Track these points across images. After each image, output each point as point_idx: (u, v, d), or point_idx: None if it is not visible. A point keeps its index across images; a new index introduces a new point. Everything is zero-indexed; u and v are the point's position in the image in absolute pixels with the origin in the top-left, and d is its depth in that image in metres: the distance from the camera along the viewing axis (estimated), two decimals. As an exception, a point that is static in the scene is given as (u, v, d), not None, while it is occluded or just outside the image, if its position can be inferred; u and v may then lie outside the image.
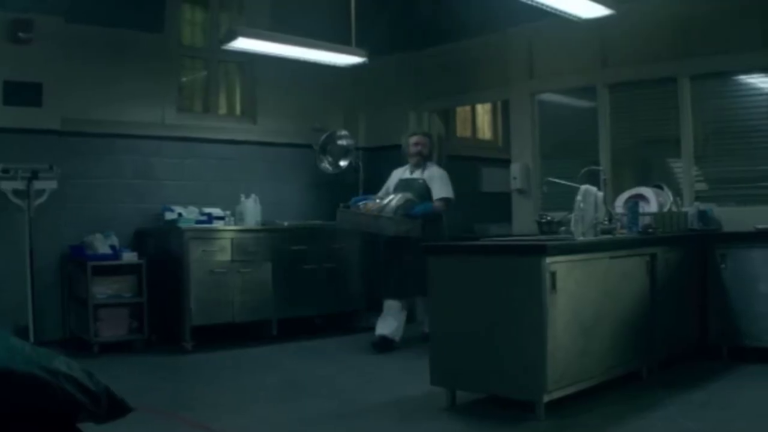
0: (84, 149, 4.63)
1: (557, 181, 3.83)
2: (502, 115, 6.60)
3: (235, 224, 4.88)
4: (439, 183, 4.62)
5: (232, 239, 4.62)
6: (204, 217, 4.75)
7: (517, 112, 5.19)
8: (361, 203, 4.50)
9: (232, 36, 4.19)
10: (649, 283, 3.64)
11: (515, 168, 5.03)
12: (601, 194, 3.49)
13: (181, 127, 5.01)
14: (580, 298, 3.15)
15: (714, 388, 3.39)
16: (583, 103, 5.03)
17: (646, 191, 4.03)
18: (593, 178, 4.78)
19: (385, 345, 4.39)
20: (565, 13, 3.93)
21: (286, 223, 4.97)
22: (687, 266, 3.96)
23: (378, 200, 4.47)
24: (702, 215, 4.25)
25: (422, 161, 4.65)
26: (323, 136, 5.07)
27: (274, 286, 4.75)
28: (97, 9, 4.55)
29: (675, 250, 3.84)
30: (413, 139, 4.72)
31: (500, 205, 5.53)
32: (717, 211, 4.36)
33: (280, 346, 4.65)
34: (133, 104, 4.79)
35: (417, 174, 4.67)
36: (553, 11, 3.86)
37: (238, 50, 4.32)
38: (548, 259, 2.98)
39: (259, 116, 5.41)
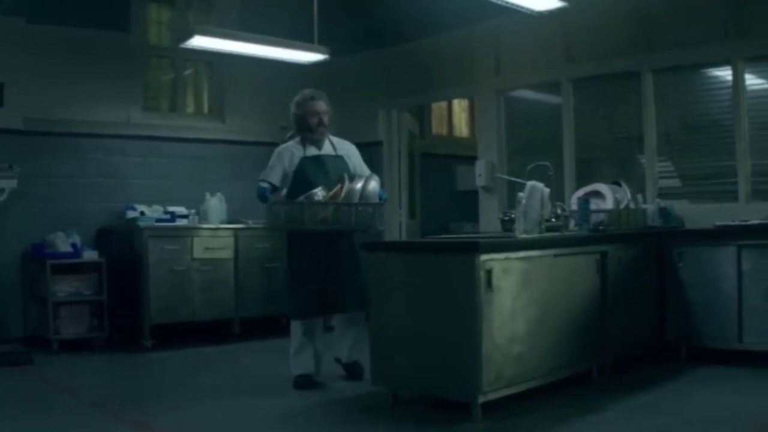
0: (47, 148, 4.67)
1: (506, 177, 3.78)
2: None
3: (200, 223, 4.89)
4: (360, 159, 3.81)
5: (192, 238, 4.63)
6: (167, 216, 4.76)
7: (483, 109, 5.14)
8: (316, 191, 3.40)
9: (189, 34, 4.21)
10: (599, 281, 3.57)
11: (480, 165, 4.98)
12: (547, 191, 3.43)
13: (146, 126, 5.04)
14: (520, 297, 3.10)
15: (664, 391, 3.32)
16: (553, 99, 4.97)
17: (603, 188, 3.96)
18: (558, 175, 4.75)
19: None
20: (520, 6, 3.87)
21: (250, 222, 4.97)
22: (643, 264, 3.88)
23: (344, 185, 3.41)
24: (662, 212, 4.16)
25: (326, 134, 3.72)
26: (287, 134, 5.05)
27: (236, 285, 4.76)
28: (61, 9, 4.59)
29: (629, 248, 3.77)
30: (317, 106, 3.68)
31: (476, 204, 5.48)
32: (684, 208, 4.28)
33: (241, 346, 4.65)
34: (98, 103, 4.83)
35: (327, 149, 3.70)
36: (506, 5, 3.81)
37: (196, 48, 4.33)
38: (483, 257, 2.93)
39: (227, 115, 5.42)
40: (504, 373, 3.04)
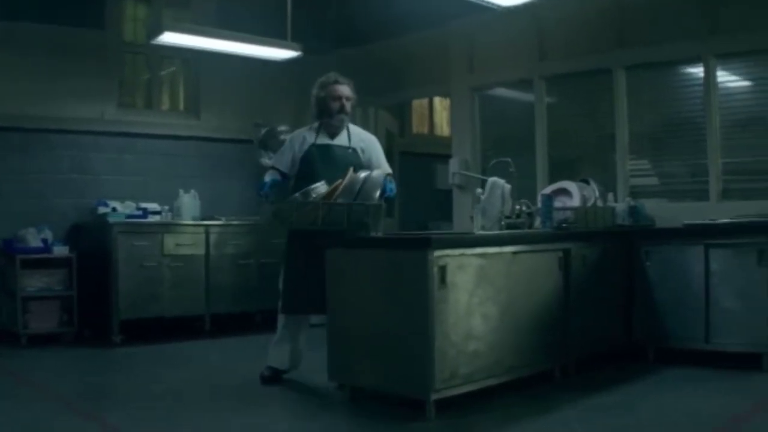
0: (20, 145, 4.68)
1: (470, 174, 3.75)
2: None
3: (172, 219, 4.88)
4: (381, 154, 3.56)
5: (163, 234, 4.63)
6: (139, 212, 4.76)
7: (457, 107, 5.11)
8: (317, 186, 3.17)
9: (159, 30, 4.21)
10: (562, 280, 3.53)
11: (454, 163, 4.95)
12: (508, 187, 3.41)
13: (121, 123, 5.04)
14: (476, 294, 3.06)
15: (626, 392, 3.28)
16: (532, 97, 4.94)
17: (570, 185, 3.92)
18: (532, 173, 4.72)
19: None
20: (487, 2, 3.84)
21: (223, 219, 4.96)
22: (610, 263, 3.83)
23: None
24: (632, 211, 4.12)
25: (346, 122, 3.49)
26: (263, 132, 5.05)
27: (207, 282, 4.75)
28: (35, 6, 4.60)
29: (594, 246, 3.72)
30: (340, 89, 3.42)
31: (454, 202, 5.47)
32: (659, 207, 4.23)
33: (210, 342, 4.64)
34: (72, 100, 4.84)
35: (341, 140, 3.47)
36: (474, 2, 3.78)
37: (168, 45, 4.33)
38: (436, 253, 2.90)
39: (203, 112, 5.43)
40: (459, 371, 3.00)
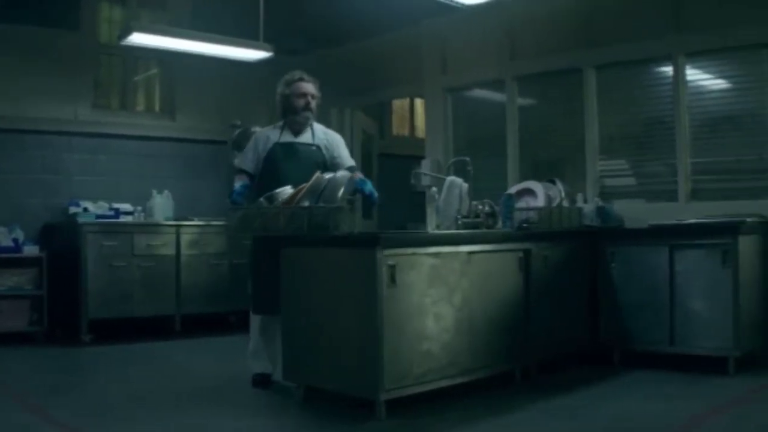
0: (-8, 144, 4.72)
1: (426, 173, 3.73)
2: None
3: (145, 219, 4.89)
4: (345, 150, 3.55)
5: (133, 234, 4.64)
6: (111, 212, 4.78)
7: (430, 108, 5.09)
8: (282, 190, 3.12)
9: (128, 31, 4.23)
10: (522, 280, 3.49)
11: (426, 164, 4.93)
12: (466, 186, 3.37)
13: (95, 124, 5.06)
14: (429, 294, 3.03)
15: (585, 395, 3.23)
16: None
17: (536, 185, 3.87)
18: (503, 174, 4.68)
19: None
20: (455, 2, 3.83)
21: (196, 219, 4.96)
22: (574, 264, 3.79)
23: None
24: (601, 211, 4.07)
25: (311, 119, 3.47)
26: (236, 132, 5.05)
27: (178, 282, 4.74)
28: (8, 7, 4.63)
29: (557, 247, 3.67)
30: (305, 87, 3.42)
31: (435, 204, 5.44)
32: (629, 208, 4.18)
33: (180, 342, 4.63)
34: (46, 101, 4.86)
35: (305, 138, 3.45)
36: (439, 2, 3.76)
37: (137, 45, 4.35)
38: (385, 252, 2.87)
39: (178, 113, 5.44)
40: (411, 371, 2.97)
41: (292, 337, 3.22)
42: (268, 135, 3.47)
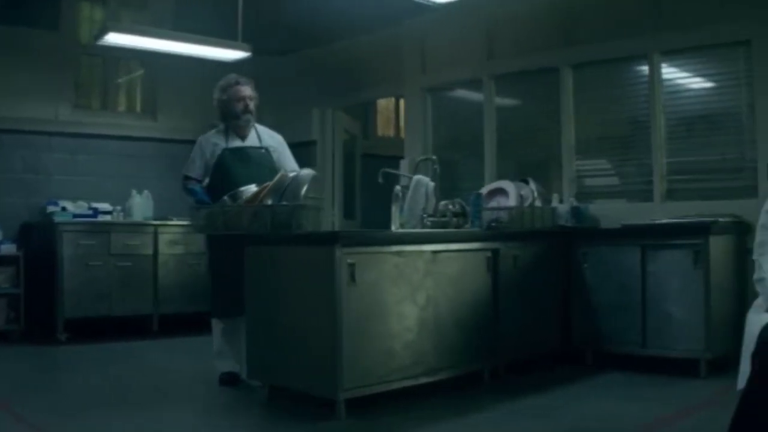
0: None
1: (392, 171, 3.71)
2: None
3: (124, 219, 4.90)
4: (289, 153, 3.57)
5: (110, 233, 4.64)
6: (90, 212, 4.79)
7: (410, 108, 5.07)
8: (244, 189, 3.11)
9: (103, 31, 4.24)
10: (491, 280, 3.46)
11: (404, 164, 4.90)
12: (432, 185, 3.35)
13: (75, 124, 5.08)
14: (391, 293, 3.01)
15: (553, 396, 3.20)
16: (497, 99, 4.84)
17: (508, 185, 3.84)
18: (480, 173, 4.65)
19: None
20: (432, 1, 3.81)
21: (175, 219, 4.96)
22: (546, 264, 3.75)
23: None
24: (575, 212, 4.03)
25: (252, 122, 3.47)
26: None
27: (155, 281, 4.74)
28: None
29: (528, 247, 3.64)
30: (242, 90, 3.42)
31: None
32: (604, 208, 4.13)
33: (156, 342, 4.63)
34: (26, 101, 4.89)
35: (252, 141, 3.46)
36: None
37: (112, 45, 4.34)
38: (345, 250, 2.86)
39: (160, 113, 5.45)
40: (373, 371, 2.95)
41: (256, 336, 3.21)
42: (214, 141, 3.47)
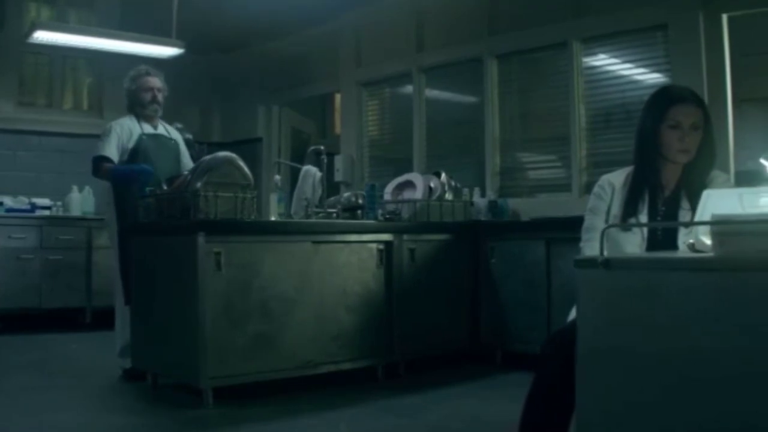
0: None
1: (284, 162, 3.65)
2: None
3: (63, 214, 4.97)
4: (186, 152, 3.66)
5: (41, 227, 4.71)
6: (28, 207, 4.87)
7: (346, 103, 5.00)
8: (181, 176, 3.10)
9: (32, 29, 4.31)
10: (383, 274, 3.35)
11: (339, 160, 4.84)
12: (320, 175, 3.28)
13: (18, 121, 5.17)
14: (262, 283, 2.94)
15: (438, 395, 3.09)
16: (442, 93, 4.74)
17: (416, 177, 3.74)
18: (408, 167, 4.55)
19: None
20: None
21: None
22: (451, 259, 3.62)
23: None
24: (493, 206, 3.90)
25: (159, 113, 3.54)
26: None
27: (87, 275, 4.79)
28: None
29: (429, 241, 3.52)
30: (152, 81, 3.48)
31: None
32: (524, 203, 3.96)
33: (84, 335, 4.65)
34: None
35: (162, 131, 3.56)
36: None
37: (41, 43, 4.42)
38: (209, 238, 2.81)
39: (107, 111, 5.50)
40: (245, 361, 2.89)
41: (138, 325, 3.20)
42: (129, 125, 3.51)
